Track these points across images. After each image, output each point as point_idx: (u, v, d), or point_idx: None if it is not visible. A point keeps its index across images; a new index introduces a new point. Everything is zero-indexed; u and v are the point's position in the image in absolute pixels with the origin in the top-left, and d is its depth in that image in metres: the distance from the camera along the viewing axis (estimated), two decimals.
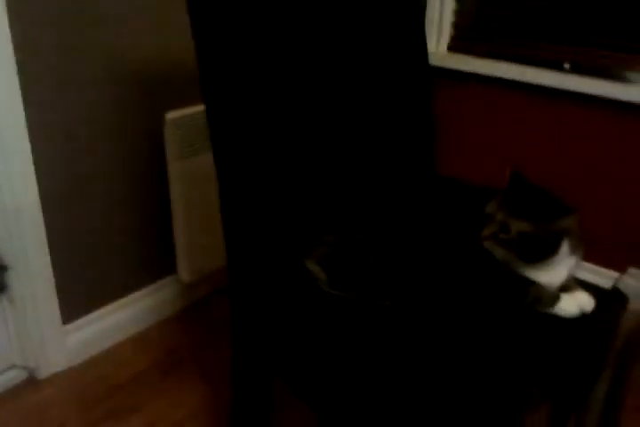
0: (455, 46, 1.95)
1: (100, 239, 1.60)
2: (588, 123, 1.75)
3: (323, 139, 1.21)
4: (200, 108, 1.13)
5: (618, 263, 1.75)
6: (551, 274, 1.04)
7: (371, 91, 1.29)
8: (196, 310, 1.83)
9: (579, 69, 1.74)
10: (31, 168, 1.39)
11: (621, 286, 1.05)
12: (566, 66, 1.77)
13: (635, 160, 1.70)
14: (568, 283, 1.07)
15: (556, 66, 1.77)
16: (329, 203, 1.22)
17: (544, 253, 1.01)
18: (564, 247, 1.02)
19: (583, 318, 1.04)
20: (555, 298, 1.04)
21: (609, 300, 1.08)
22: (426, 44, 1.38)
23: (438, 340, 1.01)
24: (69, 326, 1.59)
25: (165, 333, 1.74)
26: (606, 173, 1.76)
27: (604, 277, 1.70)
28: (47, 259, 1.49)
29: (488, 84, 1.86)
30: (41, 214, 1.44)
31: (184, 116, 1.58)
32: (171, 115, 1.56)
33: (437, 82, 1.53)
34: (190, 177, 1.62)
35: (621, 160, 1.73)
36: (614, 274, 1.73)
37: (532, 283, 1.04)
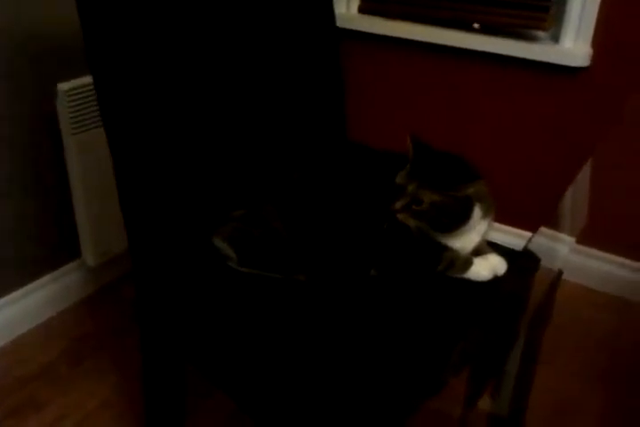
0: (366, 8, 1.90)
1: None
2: (498, 83, 1.75)
3: (226, 107, 1.14)
4: None
5: (531, 224, 1.78)
6: (464, 239, 1.03)
7: (275, 55, 1.22)
8: (104, 295, 1.73)
9: (488, 30, 1.72)
10: None
11: (533, 247, 1.04)
12: (476, 26, 1.75)
13: (543, 119, 1.72)
14: (480, 247, 1.05)
15: (465, 26, 1.74)
16: (237, 175, 1.15)
17: (457, 222, 1.00)
18: (476, 213, 1.00)
19: (496, 281, 1.03)
20: (467, 263, 1.03)
21: (521, 262, 1.08)
22: (332, 5, 1.31)
23: (355, 312, 0.97)
24: None
25: (72, 321, 1.64)
26: (517, 132, 1.77)
27: (518, 238, 1.73)
28: None
29: (399, 46, 1.83)
30: None
31: (78, 86, 1.45)
32: (63, 85, 1.44)
33: (348, 45, 1.47)
34: (89, 152, 1.50)
35: (531, 119, 1.74)
36: (528, 234, 1.76)
37: (445, 249, 1.02)
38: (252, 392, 0.95)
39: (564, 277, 1.20)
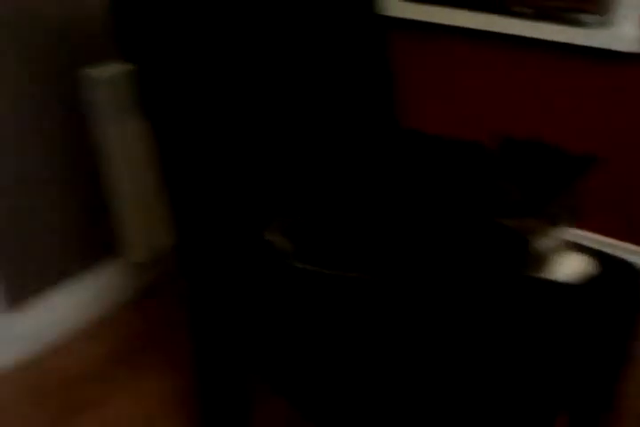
0: None
1: (30, 222, 1.41)
2: (552, 69, 1.66)
3: (273, 101, 1.08)
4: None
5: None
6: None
7: (320, 46, 1.16)
8: (153, 292, 1.64)
9: (541, 15, 1.64)
10: None
11: None
12: (526, 11, 1.67)
13: (599, 106, 1.63)
14: (563, 245, 0.97)
15: (513, 12, 1.66)
16: (290, 168, 1.08)
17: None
18: None
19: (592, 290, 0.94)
20: (555, 260, 0.94)
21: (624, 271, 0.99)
22: None
23: (432, 322, 0.89)
24: (15, 316, 1.41)
25: (122, 319, 1.56)
26: (578, 122, 1.68)
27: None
28: None
29: (448, 33, 1.75)
30: None
31: (117, 73, 1.35)
32: (95, 72, 1.36)
33: (396, 33, 1.41)
34: (129, 142, 1.42)
35: (587, 106, 1.65)
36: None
37: (527, 241, 0.93)
38: (318, 401, 0.88)
39: None
